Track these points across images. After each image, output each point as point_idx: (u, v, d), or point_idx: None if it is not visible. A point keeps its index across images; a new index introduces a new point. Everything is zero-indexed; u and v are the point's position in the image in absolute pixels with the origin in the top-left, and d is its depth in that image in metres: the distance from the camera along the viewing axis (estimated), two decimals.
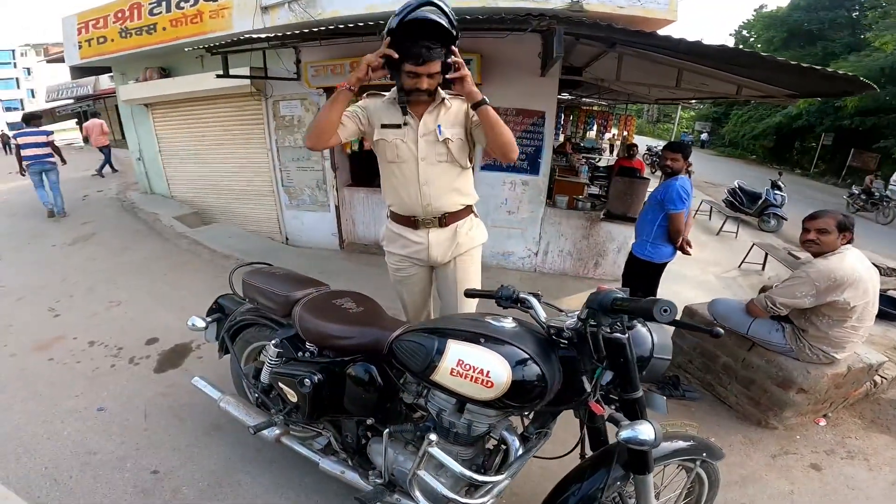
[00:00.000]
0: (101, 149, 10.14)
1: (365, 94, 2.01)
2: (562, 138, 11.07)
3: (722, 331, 1.23)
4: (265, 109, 5.45)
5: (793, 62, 3.25)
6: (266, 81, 5.16)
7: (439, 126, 1.86)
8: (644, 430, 1.12)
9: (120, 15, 5.46)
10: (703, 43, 3.01)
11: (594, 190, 6.71)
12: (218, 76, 4.47)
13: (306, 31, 3.70)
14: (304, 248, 5.92)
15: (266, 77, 4.97)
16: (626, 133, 11.04)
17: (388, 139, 1.90)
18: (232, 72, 4.51)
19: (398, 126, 1.88)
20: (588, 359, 1.23)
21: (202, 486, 2.04)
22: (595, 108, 14.44)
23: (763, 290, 2.67)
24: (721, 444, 2.47)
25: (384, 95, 1.97)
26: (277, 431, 1.84)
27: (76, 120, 20.71)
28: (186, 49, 4.62)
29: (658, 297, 3.44)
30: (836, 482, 2.28)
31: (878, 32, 15.46)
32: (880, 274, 5.25)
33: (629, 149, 7.85)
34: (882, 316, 3.91)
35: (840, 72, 3.45)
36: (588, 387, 1.26)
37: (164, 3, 5.10)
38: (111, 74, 6.94)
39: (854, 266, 2.26)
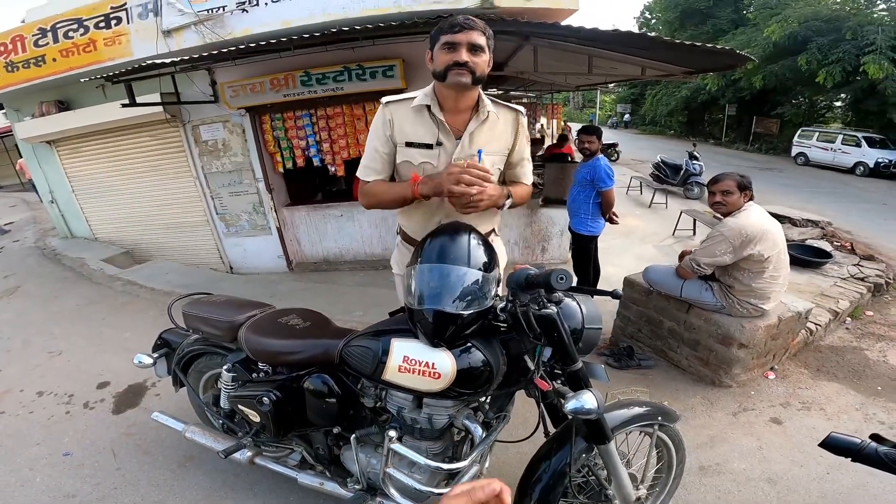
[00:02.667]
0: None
1: (384, 102, 1.57)
2: None
3: (620, 292, 1.32)
4: (184, 136, 5.17)
5: (677, 41, 3.54)
6: (181, 107, 4.89)
7: (480, 152, 1.49)
8: (587, 399, 1.17)
9: (2, 48, 5.01)
10: (601, 29, 3.22)
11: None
12: (123, 105, 4.18)
13: (217, 52, 3.55)
14: (251, 274, 5.71)
15: (180, 102, 4.71)
16: (561, 123, 11.47)
17: (415, 162, 1.55)
18: (139, 99, 4.24)
19: (429, 146, 1.54)
20: (526, 338, 1.27)
21: None
22: (524, 100, 14.92)
23: (682, 255, 2.85)
24: (682, 406, 2.62)
25: (412, 98, 1.55)
26: (249, 453, 1.85)
27: None
28: (83, 80, 4.28)
29: (599, 265, 3.49)
30: (800, 435, 2.42)
31: (759, 17, 16.94)
32: (796, 225, 5.82)
33: (560, 137, 8.19)
34: (805, 265, 4.28)
35: (719, 47, 3.78)
36: (531, 365, 1.30)
37: (49, 34, 4.72)
38: (4, 112, 6.28)
39: (760, 220, 2.48)
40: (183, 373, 2.13)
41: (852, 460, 0.94)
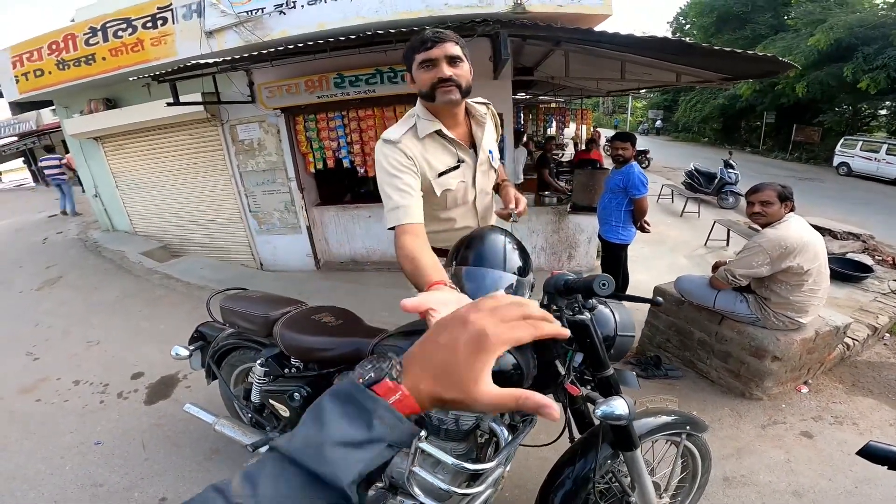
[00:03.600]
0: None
1: (392, 140, 1.47)
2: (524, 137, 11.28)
3: (661, 300, 1.31)
4: (222, 135, 5.34)
5: (717, 48, 3.44)
6: (220, 106, 5.06)
7: (490, 151, 1.61)
8: (618, 405, 1.17)
9: (54, 46, 5.22)
10: (636, 35, 3.16)
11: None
12: (168, 104, 4.35)
13: (256, 53, 3.66)
14: (280, 271, 5.83)
15: (219, 102, 4.87)
16: (591, 128, 11.36)
17: (453, 187, 1.56)
18: (182, 98, 4.40)
19: (456, 167, 1.56)
20: (558, 343, 1.26)
21: None
22: (553, 105, 14.79)
23: (716, 265, 2.78)
24: (709, 418, 2.55)
25: (413, 128, 1.51)
26: None
27: (23, 158, 19.45)
28: (131, 78, 4.47)
29: (628, 273, 3.47)
30: (830, 448, 2.34)
31: (801, 24, 16.33)
32: (837, 238, 5.60)
33: (588, 142, 8.09)
34: (845, 279, 4.12)
35: (761, 54, 3.67)
36: (562, 370, 1.29)
37: (99, 33, 4.91)
38: (53, 108, 6.59)
39: (800, 232, 2.40)
40: (216, 366, 2.19)
41: (889, 468, 0.94)
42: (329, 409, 0.46)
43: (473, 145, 1.60)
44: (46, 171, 10.02)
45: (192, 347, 2.23)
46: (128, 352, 3.63)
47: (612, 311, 1.37)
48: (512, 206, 1.54)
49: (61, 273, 5.65)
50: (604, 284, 1.12)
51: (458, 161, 1.56)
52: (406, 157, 1.45)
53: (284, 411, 1.74)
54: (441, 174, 1.53)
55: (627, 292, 3.82)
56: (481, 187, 1.66)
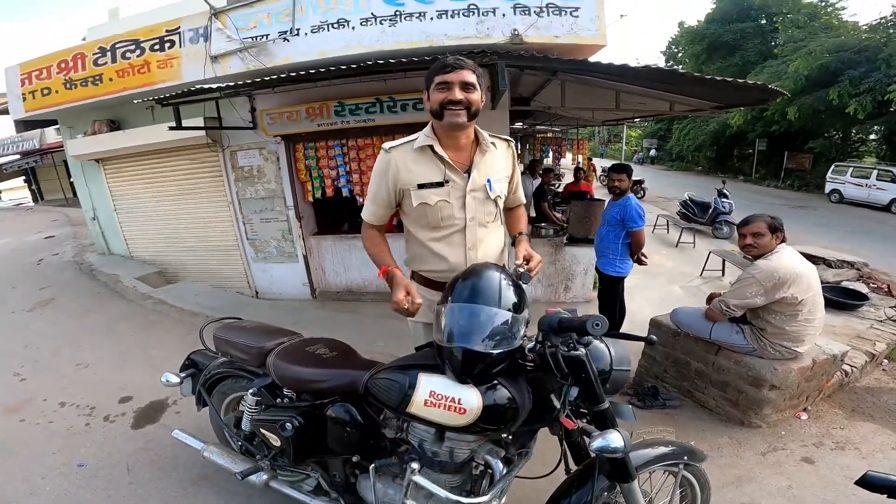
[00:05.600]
0: None
1: (387, 148, 1.65)
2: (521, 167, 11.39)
3: (655, 338, 1.35)
4: (222, 160, 5.37)
5: (707, 76, 3.53)
6: (221, 132, 5.12)
7: (489, 180, 1.63)
8: (613, 438, 1.19)
9: (63, 65, 5.25)
10: (629, 65, 3.24)
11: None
12: (171, 128, 4.39)
13: (259, 80, 3.73)
14: (276, 300, 5.79)
15: (221, 127, 4.94)
16: (581, 158, 11.47)
17: (431, 202, 1.62)
18: (185, 123, 4.44)
19: (440, 184, 1.61)
20: (553, 378, 1.29)
21: None
22: (549, 134, 15.06)
23: (711, 297, 2.80)
24: (708, 446, 2.53)
25: (413, 140, 1.64)
26: (265, 476, 1.87)
27: (24, 177, 19.43)
28: (136, 101, 4.51)
29: (625, 305, 3.48)
30: (833, 474, 2.32)
31: (786, 52, 16.74)
32: (831, 267, 5.63)
33: (576, 172, 8.15)
34: (841, 307, 4.14)
35: (750, 82, 3.77)
36: (557, 404, 1.32)
37: (108, 54, 4.95)
38: (57, 127, 6.59)
39: (793, 263, 2.43)
40: (207, 393, 2.19)
41: (888, 497, 0.96)
42: None
43: (470, 171, 1.64)
44: None
45: (183, 374, 2.24)
46: (117, 375, 3.59)
47: (607, 346, 1.39)
48: (519, 261, 1.57)
49: (54, 295, 5.60)
50: (597, 324, 1.16)
51: (445, 179, 1.60)
52: (389, 166, 1.62)
53: (275, 441, 1.73)
54: (421, 186, 1.61)
55: (625, 323, 3.83)
56: (473, 215, 1.66)
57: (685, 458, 1.58)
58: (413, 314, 1.53)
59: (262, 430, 1.79)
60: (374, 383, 1.50)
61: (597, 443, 1.18)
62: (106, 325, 4.71)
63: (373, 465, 1.57)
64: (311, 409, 1.69)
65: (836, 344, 2.89)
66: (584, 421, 1.37)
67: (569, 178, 13.40)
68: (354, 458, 1.67)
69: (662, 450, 1.56)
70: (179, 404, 3.08)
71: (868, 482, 0.98)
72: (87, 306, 5.23)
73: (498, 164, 1.71)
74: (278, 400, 1.82)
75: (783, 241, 2.51)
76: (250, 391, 1.86)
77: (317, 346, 1.90)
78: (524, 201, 1.96)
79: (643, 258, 3.59)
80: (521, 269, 1.52)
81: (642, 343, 3.26)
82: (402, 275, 1.62)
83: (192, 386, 2.24)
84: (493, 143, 1.68)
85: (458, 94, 1.50)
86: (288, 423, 1.63)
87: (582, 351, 1.25)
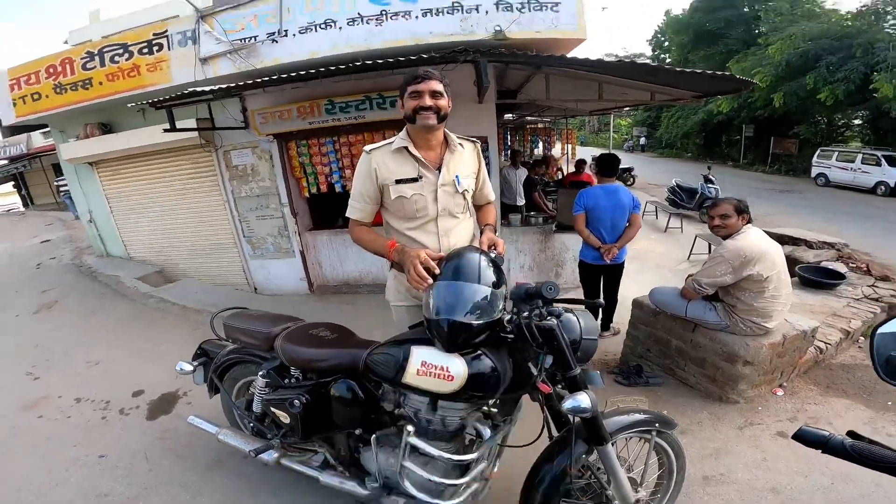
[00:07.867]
0: None
1: (368, 150, 1.87)
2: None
3: (603, 301, 1.54)
4: (216, 160, 5.45)
5: (677, 69, 3.67)
6: (214, 132, 5.19)
7: (457, 176, 1.86)
8: (582, 399, 1.34)
9: (52, 70, 5.24)
10: (605, 60, 3.38)
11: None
12: (165, 130, 4.45)
13: (250, 81, 3.82)
14: (275, 295, 5.91)
15: (214, 128, 5.01)
16: (570, 147, 11.56)
17: (408, 195, 1.82)
18: (178, 124, 4.50)
19: (414, 179, 1.82)
20: (530, 347, 1.45)
21: None
22: (539, 125, 15.15)
23: (689, 276, 2.95)
24: (689, 421, 2.68)
25: (391, 143, 1.86)
26: (276, 454, 2.02)
27: (13, 182, 19.19)
28: (129, 104, 4.53)
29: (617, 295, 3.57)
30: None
31: (770, 41, 16.71)
32: (812, 248, 5.80)
33: (578, 164, 8.24)
34: (817, 286, 4.30)
35: (720, 73, 3.90)
36: (534, 371, 1.47)
37: (96, 58, 4.96)
38: (44, 131, 6.56)
39: (758, 241, 2.59)
40: (219, 380, 2.35)
41: (822, 452, 1.01)
42: None
43: (440, 168, 1.85)
44: (61, 189, 12.26)
45: (195, 363, 2.39)
46: (128, 371, 3.71)
47: (577, 317, 1.54)
48: (484, 248, 1.74)
49: (57, 298, 5.68)
50: (550, 288, 1.38)
51: (419, 175, 1.82)
52: (371, 167, 1.82)
53: (285, 418, 1.89)
54: (399, 181, 1.82)
55: (616, 308, 3.96)
56: (444, 206, 1.87)
57: (657, 425, 1.72)
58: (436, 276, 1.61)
59: (273, 409, 1.95)
60: (372, 358, 1.67)
61: (568, 403, 1.34)
62: (112, 323, 4.82)
63: (374, 435, 1.72)
64: (316, 387, 1.84)
65: (805, 320, 3.02)
66: (560, 387, 1.52)
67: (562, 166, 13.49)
68: (357, 432, 1.82)
69: (636, 416, 1.70)
70: (190, 395, 3.21)
71: (802, 437, 1.03)
72: (92, 307, 5.32)
73: (465, 162, 1.93)
74: (286, 380, 1.98)
75: (749, 221, 2.68)
76: (260, 373, 2.01)
77: (319, 329, 2.06)
78: (492, 199, 2.16)
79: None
80: (493, 254, 1.69)
81: (627, 325, 3.45)
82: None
83: (204, 374, 2.40)
84: (460, 143, 1.91)
85: (428, 101, 1.72)
86: (296, 401, 1.79)
87: (553, 321, 1.41)
